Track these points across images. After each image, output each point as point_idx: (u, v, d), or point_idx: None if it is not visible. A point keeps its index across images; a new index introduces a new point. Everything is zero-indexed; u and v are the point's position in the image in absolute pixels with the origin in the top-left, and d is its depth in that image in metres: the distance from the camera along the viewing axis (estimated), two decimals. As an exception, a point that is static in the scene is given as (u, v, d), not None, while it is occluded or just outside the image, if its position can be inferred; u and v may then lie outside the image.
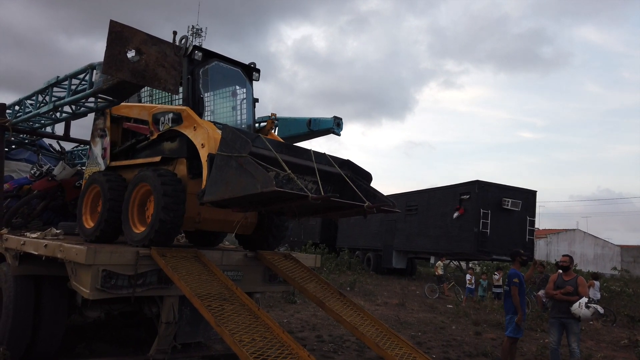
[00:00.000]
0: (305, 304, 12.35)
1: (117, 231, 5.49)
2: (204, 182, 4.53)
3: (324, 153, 5.15)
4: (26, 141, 8.90)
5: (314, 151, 5.02)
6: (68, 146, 10.13)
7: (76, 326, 7.56)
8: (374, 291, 16.73)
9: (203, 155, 4.72)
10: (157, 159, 5.44)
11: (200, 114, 5.32)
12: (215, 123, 5.36)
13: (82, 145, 9.97)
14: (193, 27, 54.49)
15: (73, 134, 8.33)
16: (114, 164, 6.02)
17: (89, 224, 5.69)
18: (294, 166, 4.56)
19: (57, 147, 9.67)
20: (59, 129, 8.18)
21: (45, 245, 5.04)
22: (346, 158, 5.37)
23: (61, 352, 6.10)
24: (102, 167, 6.03)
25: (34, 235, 5.74)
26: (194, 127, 4.95)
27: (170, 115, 5.20)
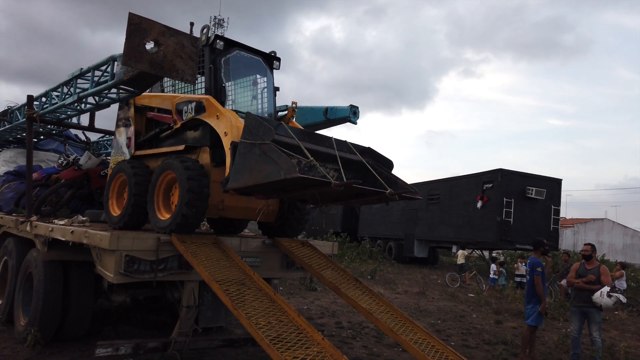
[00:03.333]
0: (325, 292, 12.47)
1: (143, 218, 5.62)
2: (228, 170, 4.60)
3: (345, 140, 5.16)
4: (53, 132, 9.18)
5: (335, 138, 5.04)
6: (93, 136, 10.41)
7: (103, 310, 7.83)
8: (395, 280, 16.76)
9: (226, 143, 4.78)
10: (181, 147, 5.50)
11: (223, 103, 5.37)
12: (237, 112, 5.40)
13: (106, 136, 10.24)
14: (215, 17, 54.90)
15: (98, 124, 8.54)
16: (138, 153, 6.12)
17: (115, 211, 5.84)
18: (316, 153, 4.59)
19: (83, 138, 9.95)
20: (85, 119, 8.41)
21: (72, 231, 5.23)
22: (367, 145, 5.39)
23: (88, 334, 6.35)
24: (127, 156, 6.16)
25: (61, 222, 5.95)
26: (217, 115, 5.01)
27: (193, 104, 5.27)
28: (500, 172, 18.84)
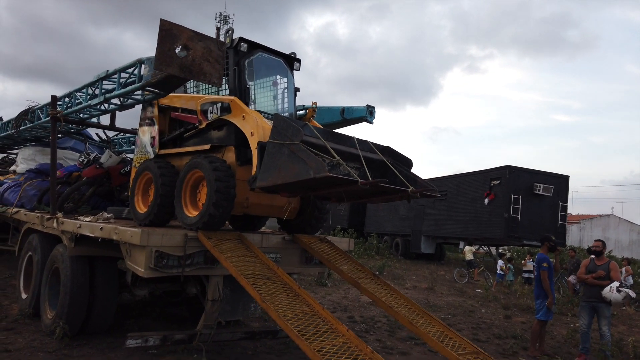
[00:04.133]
0: (336, 287, 12.67)
1: (169, 216, 5.79)
2: (254, 169, 4.74)
3: (366, 140, 5.29)
4: (72, 131, 9.40)
5: (356, 138, 5.17)
6: (109, 134, 10.63)
7: (123, 305, 8.06)
8: (403, 275, 16.95)
9: (253, 143, 4.91)
10: (207, 147, 5.64)
11: (247, 104, 5.51)
12: (260, 112, 5.55)
13: (121, 134, 10.45)
14: (221, 14, 55.04)
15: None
16: (162, 152, 6.27)
17: (141, 209, 6.01)
18: (339, 153, 4.71)
19: (104, 136, 10.17)
20: (104, 119, 8.58)
21: (101, 228, 5.42)
22: (386, 145, 5.49)
23: (112, 328, 6.57)
24: (152, 155, 6.32)
25: (87, 219, 6.16)
26: (243, 116, 5.15)
27: (219, 105, 5.41)
28: (508, 168, 18.97)
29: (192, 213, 5.37)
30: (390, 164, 5.20)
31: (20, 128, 8.79)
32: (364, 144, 5.20)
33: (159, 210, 5.65)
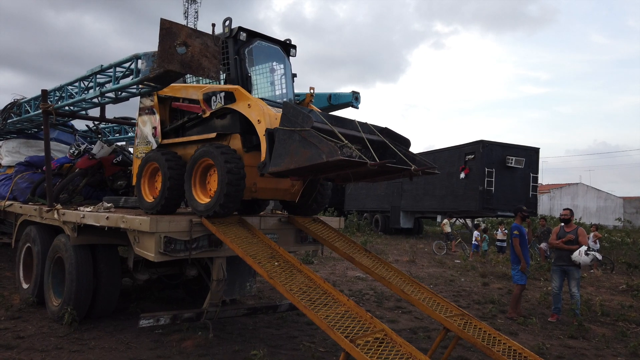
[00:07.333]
0: (322, 264, 13.17)
1: (177, 204, 6.01)
2: (263, 155, 4.93)
3: (366, 122, 5.51)
4: (59, 124, 9.46)
5: (357, 121, 5.39)
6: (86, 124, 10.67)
7: (122, 290, 8.34)
8: (385, 250, 17.57)
9: (260, 130, 5.08)
10: (213, 135, 5.81)
11: (249, 91, 5.66)
12: (262, 99, 5.67)
13: (102, 124, 10.52)
14: (188, -6, 53.76)
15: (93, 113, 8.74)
16: (165, 141, 6.42)
17: (148, 198, 6.20)
18: (343, 136, 4.88)
19: (93, 127, 10.26)
20: (91, 110, 8.68)
21: (107, 217, 5.68)
22: (384, 126, 5.72)
23: (116, 311, 6.88)
24: (154, 145, 6.47)
25: (88, 209, 6.39)
26: (249, 104, 5.31)
27: (223, 94, 5.55)
28: (481, 143, 19.65)
29: (203, 200, 5.56)
30: (390, 144, 5.43)
31: (8, 121, 8.82)
32: (364, 126, 5.42)
33: (167, 199, 5.83)
